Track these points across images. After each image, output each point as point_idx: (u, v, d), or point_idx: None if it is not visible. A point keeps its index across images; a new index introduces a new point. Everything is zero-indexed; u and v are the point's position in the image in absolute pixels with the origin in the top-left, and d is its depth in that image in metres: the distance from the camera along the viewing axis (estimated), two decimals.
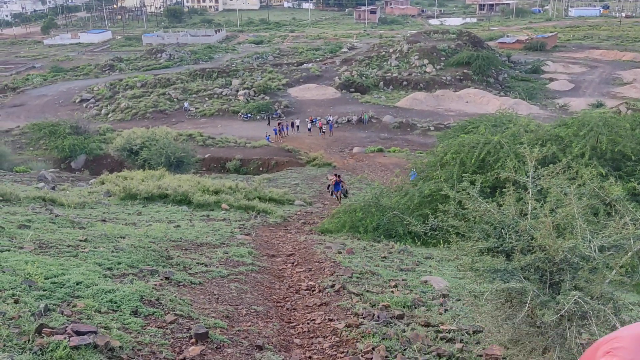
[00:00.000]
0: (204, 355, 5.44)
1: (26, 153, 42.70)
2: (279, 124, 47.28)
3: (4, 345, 4.48)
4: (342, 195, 23.78)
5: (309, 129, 47.27)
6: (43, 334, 4.76)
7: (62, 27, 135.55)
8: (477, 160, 15.93)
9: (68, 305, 5.73)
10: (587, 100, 57.42)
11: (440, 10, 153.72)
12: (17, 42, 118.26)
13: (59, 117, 49.41)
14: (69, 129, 42.96)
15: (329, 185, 25.06)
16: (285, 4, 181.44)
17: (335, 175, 24.83)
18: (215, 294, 7.72)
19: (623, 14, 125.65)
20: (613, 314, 4.30)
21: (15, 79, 75.72)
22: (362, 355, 6.03)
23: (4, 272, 6.34)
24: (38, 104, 61.73)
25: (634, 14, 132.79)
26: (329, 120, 48.63)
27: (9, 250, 7.69)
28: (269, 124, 49.90)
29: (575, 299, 4.28)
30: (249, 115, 53.71)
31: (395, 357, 5.98)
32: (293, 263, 10.99)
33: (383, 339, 6.44)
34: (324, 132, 46.63)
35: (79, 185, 24.68)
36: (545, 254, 4.68)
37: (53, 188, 20.97)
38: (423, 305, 7.89)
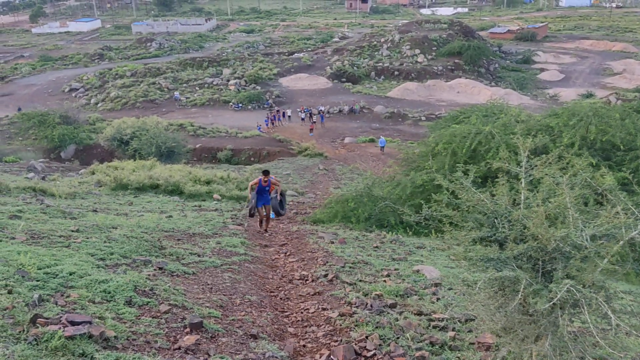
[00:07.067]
0: (199, 344, 5.46)
1: (15, 143, 42.31)
2: (271, 113, 47.23)
3: None
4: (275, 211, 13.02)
5: (302, 119, 47.15)
6: (38, 324, 4.75)
7: (51, 15, 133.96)
8: (468, 150, 16.01)
9: (62, 295, 5.72)
10: (577, 90, 57.69)
11: (432, 0, 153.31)
12: (5, 31, 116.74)
13: (48, 107, 49.08)
14: (58, 119, 42.66)
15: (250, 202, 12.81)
16: None
17: (263, 173, 12.96)
18: (208, 284, 7.73)
19: (613, 5, 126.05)
20: (605, 302, 4.36)
21: (4, 68, 74.90)
22: (355, 344, 6.07)
23: None
24: (27, 94, 61.14)
25: (624, 5, 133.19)
26: (320, 110, 48.55)
27: (0, 241, 7.64)
28: (270, 111, 49.31)
29: (567, 288, 4.33)
30: (240, 105, 53.48)
31: (389, 345, 6.03)
32: (286, 253, 11.01)
33: (376, 327, 6.48)
34: (314, 122, 46.58)
35: (69, 175, 24.52)
36: (537, 243, 4.72)
37: (43, 178, 20.84)
38: (415, 294, 7.95)
